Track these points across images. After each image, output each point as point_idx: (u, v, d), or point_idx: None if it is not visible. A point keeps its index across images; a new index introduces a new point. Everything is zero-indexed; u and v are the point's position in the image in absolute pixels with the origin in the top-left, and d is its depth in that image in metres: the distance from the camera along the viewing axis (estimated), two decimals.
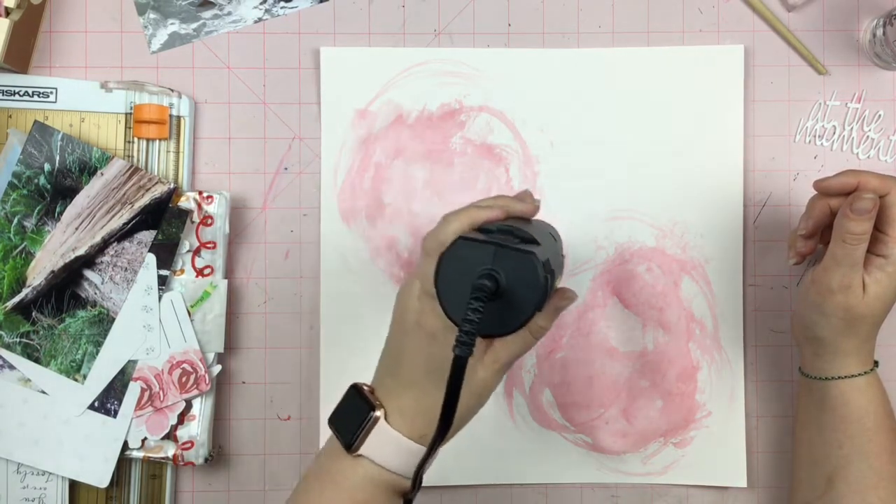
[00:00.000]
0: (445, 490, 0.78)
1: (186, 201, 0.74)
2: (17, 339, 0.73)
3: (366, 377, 0.77)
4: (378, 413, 0.57)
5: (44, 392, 0.73)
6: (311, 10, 0.77)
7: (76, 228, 0.73)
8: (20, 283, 0.73)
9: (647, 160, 0.77)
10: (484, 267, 0.49)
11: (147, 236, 0.73)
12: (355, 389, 0.60)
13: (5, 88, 0.75)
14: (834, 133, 0.78)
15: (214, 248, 0.75)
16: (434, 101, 0.77)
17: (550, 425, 0.77)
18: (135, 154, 0.75)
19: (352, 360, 0.76)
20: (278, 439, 0.77)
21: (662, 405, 0.77)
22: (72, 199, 0.73)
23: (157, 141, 0.75)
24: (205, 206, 0.74)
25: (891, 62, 0.76)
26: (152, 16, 0.77)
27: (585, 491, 0.78)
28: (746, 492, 0.78)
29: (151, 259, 0.74)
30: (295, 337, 0.77)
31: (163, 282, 0.74)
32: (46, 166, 0.73)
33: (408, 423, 0.57)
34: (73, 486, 0.75)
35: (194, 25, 0.77)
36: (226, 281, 0.75)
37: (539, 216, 0.76)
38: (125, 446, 0.74)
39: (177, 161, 0.76)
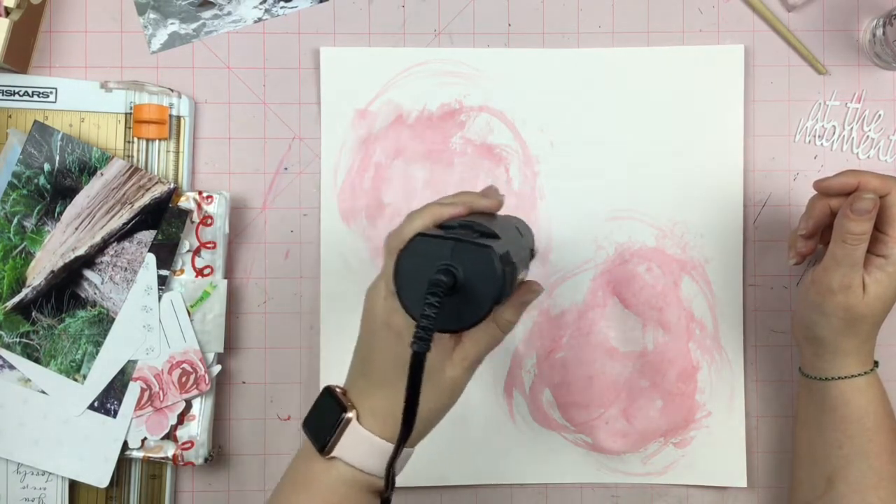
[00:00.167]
0: (445, 490, 0.78)
1: (186, 201, 0.74)
2: (17, 339, 0.73)
3: None
4: (350, 414, 0.57)
5: (44, 392, 0.73)
6: (311, 10, 0.77)
7: (76, 228, 0.73)
8: (20, 283, 0.73)
9: (647, 160, 0.77)
10: (440, 263, 0.49)
11: (147, 236, 0.73)
12: (328, 391, 0.60)
13: (5, 88, 0.75)
14: (834, 133, 0.78)
15: (214, 248, 0.75)
16: (434, 101, 0.77)
17: (550, 425, 0.77)
18: (135, 154, 0.75)
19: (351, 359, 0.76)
20: (278, 439, 0.77)
21: (662, 405, 0.77)
22: (72, 199, 0.73)
23: (157, 141, 0.75)
24: (205, 206, 0.74)
25: (891, 62, 0.76)
26: (152, 16, 0.77)
27: (585, 491, 0.78)
28: (746, 492, 0.78)
29: (151, 259, 0.74)
30: (295, 337, 0.77)
31: (163, 282, 0.74)
32: (46, 166, 0.73)
33: (380, 423, 0.57)
34: (73, 486, 0.75)
35: (194, 25, 0.77)
36: (226, 281, 0.75)
37: (539, 216, 0.77)
38: (125, 446, 0.74)
39: (177, 161, 0.76)
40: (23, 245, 0.73)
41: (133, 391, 0.74)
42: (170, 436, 0.74)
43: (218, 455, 0.76)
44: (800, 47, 0.77)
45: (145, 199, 0.73)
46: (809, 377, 0.69)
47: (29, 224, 0.73)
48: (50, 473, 0.74)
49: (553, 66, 0.77)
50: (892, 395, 0.70)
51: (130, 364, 0.74)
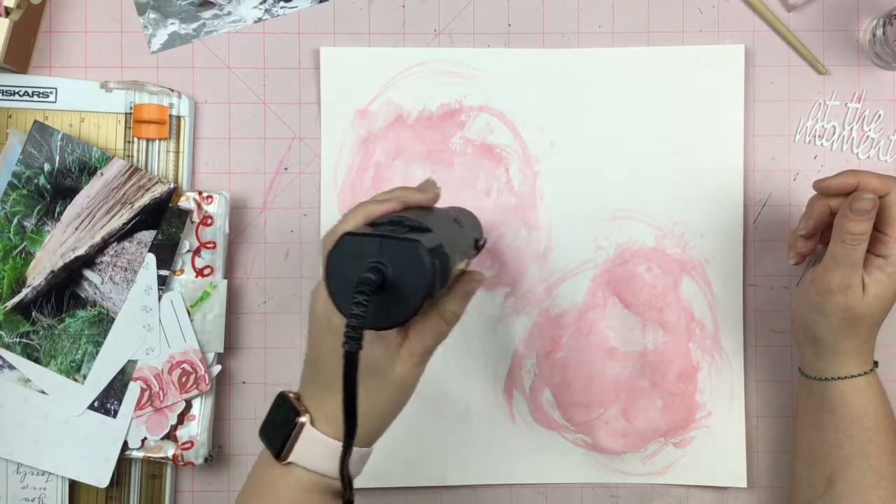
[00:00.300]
0: (445, 490, 0.78)
1: (186, 201, 0.74)
2: (17, 339, 0.73)
3: None
4: (303, 419, 0.57)
5: (44, 392, 0.73)
6: (311, 10, 0.77)
7: (76, 228, 0.73)
8: (20, 283, 0.73)
9: (647, 160, 0.77)
10: (369, 260, 0.49)
11: (147, 236, 0.73)
12: (282, 397, 0.59)
13: (5, 88, 0.75)
14: (834, 133, 0.78)
15: (214, 248, 0.75)
16: (434, 101, 0.77)
17: (550, 425, 0.77)
18: (135, 154, 0.75)
19: None
20: None
21: (662, 405, 0.77)
22: (72, 199, 0.73)
23: (157, 141, 0.75)
24: (205, 206, 0.74)
25: (891, 62, 0.76)
26: (152, 16, 0.77)
27: (585, 491, 0.78)
28: (746, 492, 0.78)
29: (151, 259, 0.74)
30: (295, 337, 0.77)
31: (163, 282, 0.74)
32: (46, 166, 0.73)
33: (334, 426, 0.57)
34: (73, 486, 0.75)
35: (194, 25, 0.77)
36: (226, 281, 0.75)
37: (539, 216, 0.77)
38: (125, 446, 0.74)
39: (177, 161, 0.76)
40: (23, 245, 0.73)
41: (133, 391, 0.74)
42: (170, 436, 0.74)
43: (218, 455, 0.76)
44: (800, 47, 0.77)
45: (145, 199, 0.73)
46: (809, 377, 0.69)
47: (29, 224, 0.73)
48: (50, 473, 0.74)
49: (553, 66, 0.77)
50: (892, 395, 0.70)
51: (130, 364, 0.74)
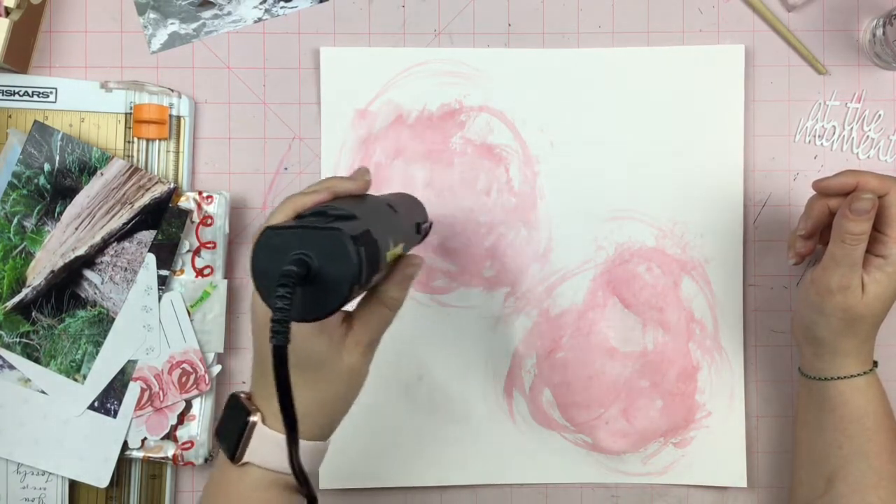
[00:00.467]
0: (445, 490, 0.78)
1: (186, 201, 0.74)
2: (17, 339, 0.73)
3: None
4: (254, 418, 0.57)
5: (44, 392, 0.73)
6: (311, 10, 0.77)
7: (76, 228, 0.73)
8: (20, 283, 0.73)
9: (647, 160, 0.77)
10: (292, 253, 0.48)
11: (147, 236, 0.73)
12: (234, 398, 0.59)
13: (5, 88, 0.75)
14: (834, 133, 0.78)
15: (214, 248, 0.75)
16: (434, 101, 0.77)
17: (550, 425, 0.77)
18: (135, 154, 0.75)
19: None
20: None
21: (662, 405, 0.77)
22: (72, 199, 0.73)
23: (157, 141, 0.75)
24: (205, 206, 0.74)
25: (891, 62, 0.76)
26: (152, 16, 0.77)
27: (585, 491, 0.78)
28: (746, 492, 0.78)
29: (151, 259, 0.74)
30: None
31: (163, 282, 0.74)
32: (46, 166, 0.73)
33: None
34: (73, 486, 0.75)
35: (194, 25, 0.77)
36: (226, 281, 0.75)
37: (539, 216, 0.77)
38: (125, 446, 0.74)
39: (177, 161, 0.76)
40: (23, 245, 0.73)
41: (133, 391, 0.74)
42: (170, 436, 0.74)
43: (218, 455, 0.76)
44: (800, 47, 0.77)
45: (145, 199, 0.73)
46: (809, 377, 0.69)
47: (29, 224, 0.73)
48: (50, 473, 0.74)
49: (553, 66, 0.77)
50: (892, 395, 0.70)
51: (130, 364, 0.74)
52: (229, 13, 0.77)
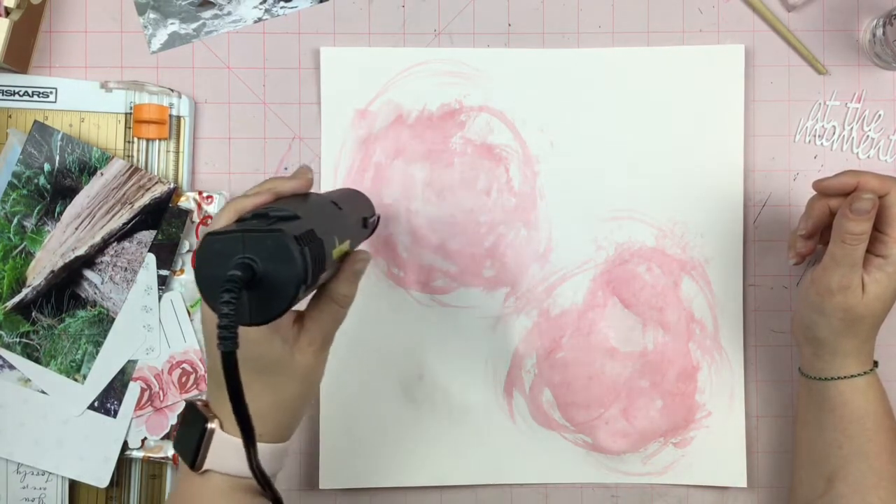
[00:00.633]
0: (445, 490, 0.78)
1: (186, 201, 0.74)
2: (17, 339, 0.73)
3: (364, 375, 0.77)
4: (212, 425, 0.57)
5: (44, 392, 0.73)
6: (311, 10, 0.77)
7: (76, 228, 0.73)
8: (20, 283, 0.73)
9: (647, 160, 0.77)
10: (235, 257, 0.48)
11: (147, 236, 0.73)
12: (190, 406, 0.59)
13: (5, 88, 0.75)
14: (834, 133, 0.78)
15: None
16: (434, 101, 0.77)
17: (550, 425, 0.77)
18: (135, 154, 0.75)
19: (351, 359, 0.76)
20: None
21: (662, 405, 0.77)
22: (72, 199, 0.73)
23: (157, 141, 0.75)
24: (205, 206, 0.74)
25: (891, 62, 0.76)
26: (152, 16, 0.77)
27: (585, 491, 0.78)
28: (746, 492, 0.78)
29: (151, 259, 0.74)
30: None
31: (163, 282, 0.74)
32: (46, 166, 0.73)
33: None
34: (73, 486, 0.75)
35: (194, 25, 0.77)
36: None
37: (539, 216, 0.76)
38: (125, 446, 0.74)
39: (177, 161, 0.76)
40: (23, 245, 0.73)
41: (133, 391, 0.74)
42: (170, 436, 0.74)
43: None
44: (800, 47, 0.77)
45: (145, 199, 0.73)
46: (809, 377, 0.69)
47: (29, 224, 0.73)
48: (50, 473, 0.74)
49: (553, 66, 0.77)
50: (892, 395, 0.70)
51: (130, 364, 0.74)
52: (229, 13, 0.77)
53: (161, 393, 0.74)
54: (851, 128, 0.78)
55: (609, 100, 0.77)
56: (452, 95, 0.77)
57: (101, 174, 0.73)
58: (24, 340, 0.73)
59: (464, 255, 0.77)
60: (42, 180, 0.73)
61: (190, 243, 0.74)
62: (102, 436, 0.73)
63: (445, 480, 0.77)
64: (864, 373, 0.67)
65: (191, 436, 0.57)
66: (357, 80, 0.77)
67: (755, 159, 0.78)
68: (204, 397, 0.60)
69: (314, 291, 0.58)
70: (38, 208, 0.73)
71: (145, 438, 0.74)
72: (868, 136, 0.78)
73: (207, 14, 0.77)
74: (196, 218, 0.74)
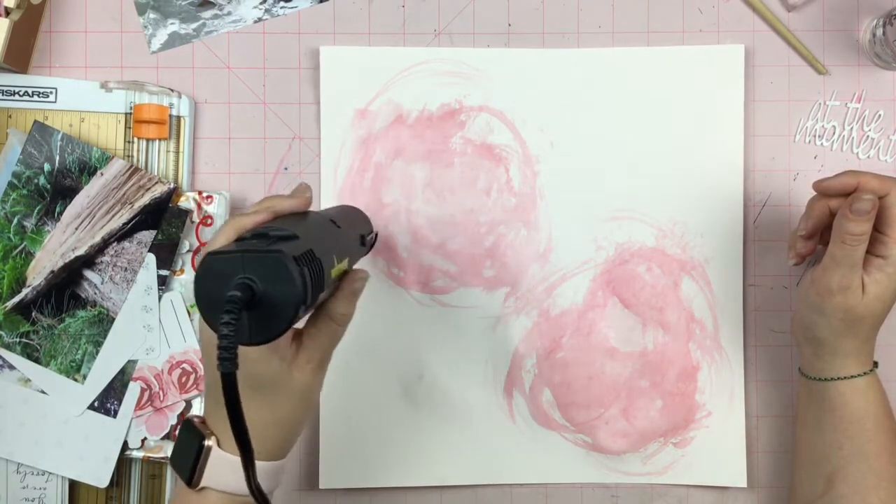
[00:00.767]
0: (445, 490, 0.78)
1: (186, 201, 0.74)
2: (17, 339, 0.73)
3: (364, 375, 0.77)
4: (209, 442, 0.57)
5: (44, 392, 0.73)
6: (311, 10, 0.77)
7: (76, 228, 0.73)
8: (20, 283, 0.73)
9: (647, 160, 0.77)
10: (235, 278, 0.48)
11: (147, 236, 0.73)
12: (187, 423, 0.59)
13: (5, 88, 0.75)
14: (834, 133, 0.78)
15: None
16: (434, 101, 0.77)
17: (550, 425, 0.77)
18: (135, 154, 0.75)
19: (351, 359, 0.76)
20: None
21: (662, 405, 0.77)
22: (72, 199, 0.73)
23: (157, 141, 0.75)
24: (205, 206, 0.74)
25: (891, 62, 0.76)
26: (152, 16, 0.77)
27: (585, 491, 0.78)
28: (746, 492, 0.78)
29: (151, 259, 0.74)
30: None
31: (163, 282, 0.74)
32: (46, 166, 0.73)
33: None
34: (73, 486, 0.75)
35: (194, 25, 0.77)
36: None
37: (539, 216, 0.76)
38: (125, 446, 0.74)
39: (177, 161, 0.76)
40: (23, 245, 0.73)
41: (133, 391, 0.74)
42: (170, 436, 0.74)
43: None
44: (800, 47, 0.77)
45: (145, 199, 0.73)
46: (809, 378, 0.69)
47: (29, 224, 0.73)
48: (50, 473, 0.74)
49: (553, 66, 0.77)
50: (892, 395, 0.70)
51: (130, 364, 0.74)
52: (229, 13, 0.77)
53: (161, 393, 0.74)
54: (851, 128, 0.78)
55: (609, 100, 0.77)
56: (452, 95, 0.77)
57: (101, 174, 0.73)
58: (24, 340, 0.73)
59: (464, 255, 0.77)
60: (42, 180, 0.73)
61: (190, 243, 0.74)
62: (102, 436, 0.73)
63: (445, 480, 0.77)
64: (865, 373, 0.67)
65: (187, 452, 0.57)
66: (357, 80, 0.77)
67: (755, 159, 0.78)
68: (201, 413, 0.60)
69: (312, 311, 0.58)
70: (38, 208, 0.73)
71: (145, 438, 0.74)
72: (868, 136, 0.78)
73: (207, 14, 0.77)
74: (196, 218, 0.74)
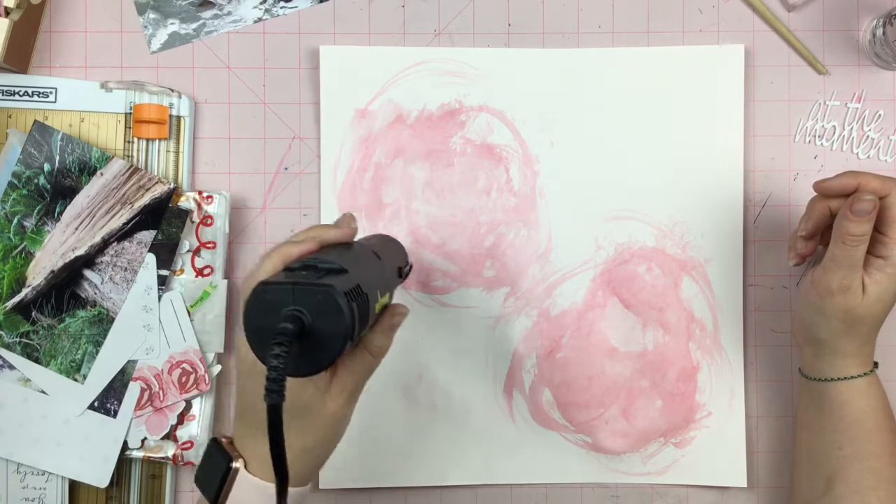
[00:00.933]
0: (445, 490, 0.78)
1: (186, 201, 0.74)
2: (17, 339, 0.73)
3: None
4: (237, 464, 0.57)
5: (44, 392, 0.73)
6: (311, 10, 0.77)
7: (76, 228, 0.73)
8: (20, 283, 0.73)
9: (647, 160, 0.77)
10: (285, 309, 0.48)
11: (147, 236, 0.73)
12: (214, 442, 0.59)
13: (5, 88, 0.75)
14: (834, 133, 0.78)
15: (214, 248, 0.75)
16: (434, 100, 0.77)
17: (550, 425, 0.77)
18: (135, 154, 0.75)
19: None
20: None
21: (662, 405, 0.77)
22: (71, 199, 0.73)
23: (157, 141, 0.75)
24: (205, 206, 0.74)
25: (891, 62, 0.76)
26: (152, 16, 0.77)
27: (585, 491, 0.78)
28: (746, 492, 0.78)
29: (151, 259, 0.74)
30: None
31: (162, 282, 0.74)
32: (46, 166, 0.73)
33: (268, 468, 0.55)
34: (73, 486, 0.75)
35: (194, 25, 0.77)
36: (226, 281, 0.75)
37: (539, 216, 0.77)
38: (125, 446, 0.74)
39: (177, 161, 0.76)
40: (23, 245, 0.73)
41: (133, 391, 0.74)
42: (170, 436, 0.74)
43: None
44: (800, 47, 0.77)
45: (145, 199, 0.73)
46: (809, 378, 0.69)
47: (29, 224, 0.73)
48: (50, 473, 0.74)
49: (553, 66, 0.77)
50: (892, 395, 0.70)
51: (130, 364, 0.74)
52: (229, 13, 0.77)
53: (161, 393, 0.74)
54: (851, 128, 0.78)
55: (609, 100, 0.77)
56: (452, 95, 0.77)
57: (101, 174, 0.73)
58: (24, 340, 0.73)
59: (464, 255, 0.77)
60: (42, 180, 0.73)
61: (190, 243, 0.74)
62: (102, 436, 0.73)
63: (445, 480, 0.77)
64: (865, 374, 0.67)
65: (214, 472, 0.57)
66: (357, 80, 0.77)
67: (755, 159, 0.78)
68: (229, 433, 0.60)
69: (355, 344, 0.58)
70: (38, 208, 0.73)
71: (145, 438, 0.74)
72: (868, 136, 0.78)
73: (207, 14, 0.77)
74: (196, 218, 0.74)
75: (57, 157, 0.73)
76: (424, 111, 0.77)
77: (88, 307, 0.73)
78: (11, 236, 0.73)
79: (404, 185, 0.77)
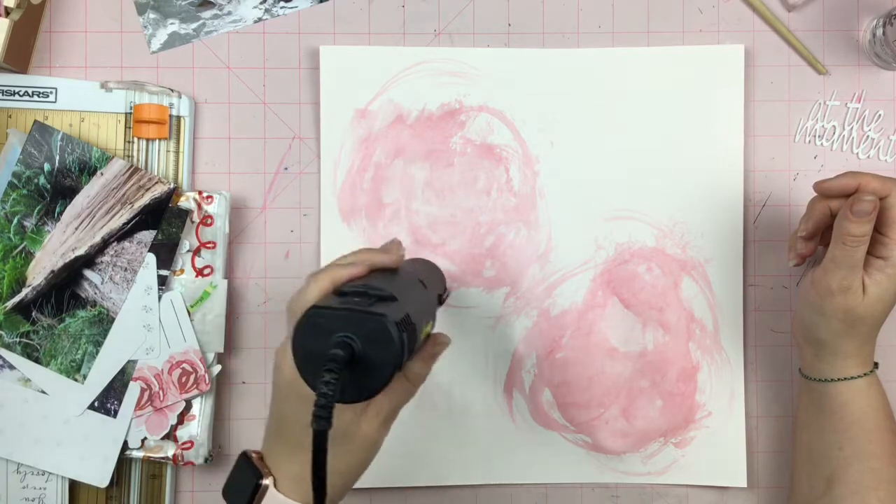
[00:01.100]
0: (445, 490, 0.78)
1: (186, 201, 0.74)
2: (17, 339, 0.73)
3: None
4: (266, 481, 0.57)
5: (44, 392, 0.73)
6: (311, 10, 0.77)
7: (76, 228, 0.73)
8: (20, 283, 0.73)
9: (647, 160, 0.77)
10: (336, 335, 0.49)
11: (147, 236, 0.73)
12: (244, 457, 0.59)
13: (5, 88, 0.75)
14: (834, 133, 0.78)
15: (214, 248, 0.75)
16: (434, 100, 0.77)
17: (550, 425, 0.77)
18: (135, 154, 0.75)
19: None
20: None
21: (662, 405, 0.77)
22: (71, 199, 0.73)
23: (157, 141, 0.75)
24: (205, 206, 0.74)
25: (891, 62, 0.76)
26: (152, 16, 0.77)
27: (585, 491, 0.78)
28: (746, 492, 0.78)
29: (151, 259, 0.74)
30: None
31: (163, 282, 0.74)
32: (46, 166, 0.73)
33: (297, 487, 0.57)
34: (73, 486, 0.75)
35: (194, 25, 0.77)
36: (226, 281, 0.75)
37: (539, 216, 0.77)
38: (125, 446, 0.74)
39: (177, 161, 0.76)
40: (23, 245, 0.73)
41: (133, 391, 0.74)
42: (170, 436, 0.74)
43: (218, 455, 0.76)
44: (800, 47, 0.77)
45: (145, 199, 0.73)
46: (809, 379, 0.69)
47: (29, 224, 0.73)
48: (50, 473, 0.74)
49: (553, 66, 0.77)
50: (892, 395, 0.70)
51: (130, 364, 0.74)
52: (229, 13, 0.77)
53: (161, 393, 0.74)
54: (851, 128, 0.78)
55: (609, 100, 0.77)
56: (452, 95, 0.77)
57: (101, 174, 0.73)
58: (24, 340, 0.73)
59: (464, 255, 0.77)
60: (42, 180, 0.73)
61: (190, 243, 0.74)
62: (102, 436, 0.73)
63: (445, 480, 0.77)
64: (865, 374, 0.67)
65: (242, 488, 0.57)
66: (357, 80, 0.77)
67: (755, 159, 0.78)
68: (259, 448, 0.60)
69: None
70: (38, 208, 0.73)
71: (145, 438, 0.74)
72: (868, 136, 0.78)
73: (207, 14, 0.77)
74: (196, 218, 0.74)
75: (57, 157, 0.73)
76: (424, 111, 0.77)
77: (88, 307, 0.73)
78: (11, 236, 0.73)
79: (404, 185, 0.77)
